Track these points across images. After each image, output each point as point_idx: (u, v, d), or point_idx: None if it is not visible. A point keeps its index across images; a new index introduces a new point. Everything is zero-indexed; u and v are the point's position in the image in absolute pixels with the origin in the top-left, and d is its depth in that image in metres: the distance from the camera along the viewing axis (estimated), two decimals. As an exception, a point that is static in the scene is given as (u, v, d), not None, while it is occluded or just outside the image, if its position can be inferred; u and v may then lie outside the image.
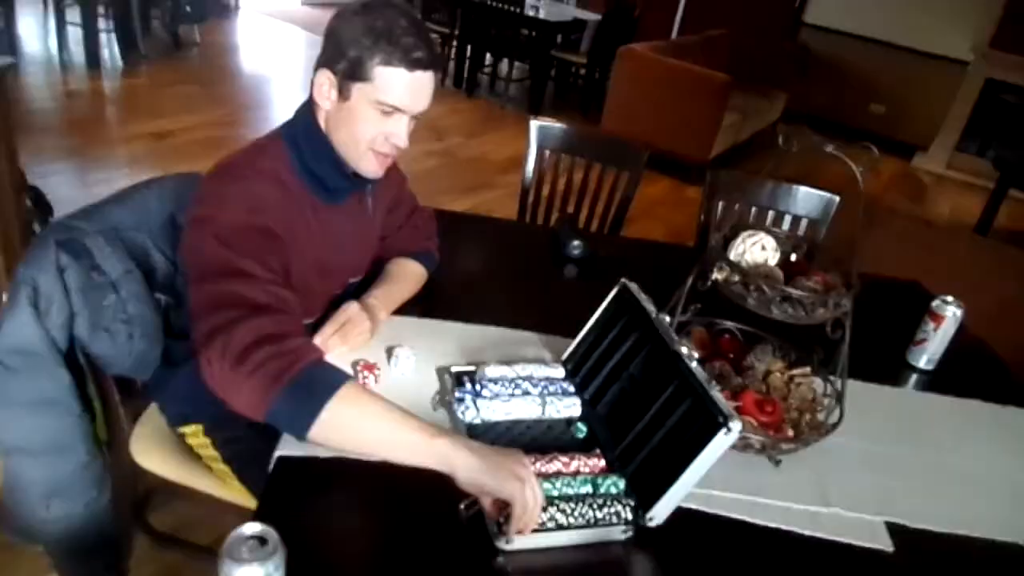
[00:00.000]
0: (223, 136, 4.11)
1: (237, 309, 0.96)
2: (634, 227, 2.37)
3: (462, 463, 0.92)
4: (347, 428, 0.94)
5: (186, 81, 4.98)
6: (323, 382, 0.93)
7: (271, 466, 1.03)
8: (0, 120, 1.79)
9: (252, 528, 0.73)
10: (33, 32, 5.45)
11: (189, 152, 3.81)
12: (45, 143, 3.71)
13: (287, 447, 1.05)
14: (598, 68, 5.92)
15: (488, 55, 6.12)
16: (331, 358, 1.19)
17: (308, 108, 1.18)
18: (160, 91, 4.75)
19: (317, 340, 1.16)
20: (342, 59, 1.10)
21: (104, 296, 1.24)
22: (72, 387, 1.25)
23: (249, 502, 1.29)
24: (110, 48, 5.17)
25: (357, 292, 1.33)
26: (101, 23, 4.97)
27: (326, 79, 1.12)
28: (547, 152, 2.23)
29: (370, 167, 1.18)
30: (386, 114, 1.12)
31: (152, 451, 1.39)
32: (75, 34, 4.95)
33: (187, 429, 1.34)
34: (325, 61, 1.12)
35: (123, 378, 1.36)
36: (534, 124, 2.22)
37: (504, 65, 6.37)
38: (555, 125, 2.24)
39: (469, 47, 5.92)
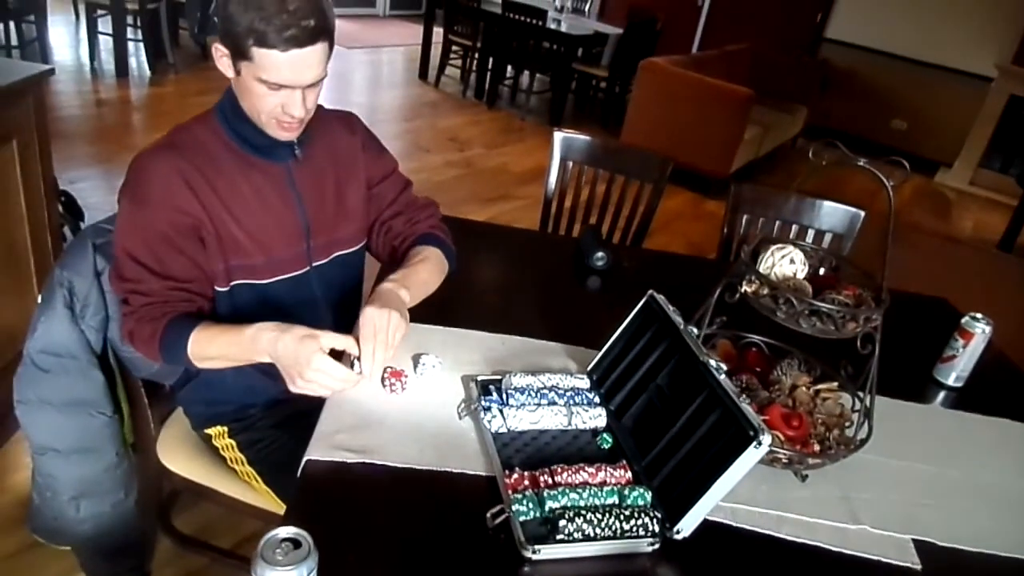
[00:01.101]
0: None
1: (140, 301, 1.15)
2: (654, 240, 2.37)
3: (269, 355, 1.09)
4: (202, 353, 1.14)
5: (212, 90, 5.04)
6: (179, 337, 1.13)
7: (299, 469, 1.04)
8: (36, 126, 1.83)
9: (287, 531, 0.74)
10: (65, 41, 5.56)
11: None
12: (75, 150, 3.78)
13: (316, 451, 1.06)
14: (619, 81, 5.94)
15: (509, 67, 6.16)
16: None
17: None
18: (187, 100, 4.82)
19: (366, 368, 1.12)
20: (228, 36, 1.08)
21: (137, 299, 1.25)
22: (104, 388, 1.27)
23: (273, 506, 1.29)
24: (138, 57, 5.27)
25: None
26: (131, 33, 5.06)
27: (221, 51, 1.11)
28: (570, 163, 2.24)
29: (276, 132, 1.18)
30: (275, 88, 1.11)
31: (178, 453, 1.40)
32: (106, 43, 5.05)
33: (212, 431, 1.36)
34: (219, 33, 1.11)
35: (151, 381, 1.38)
36: (558, 135, 2.23)
37: (525, 77, 6.41)
38: (579, 137, 2.25)
39: (491, 59, 5.96)
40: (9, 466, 1.90)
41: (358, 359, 1.12)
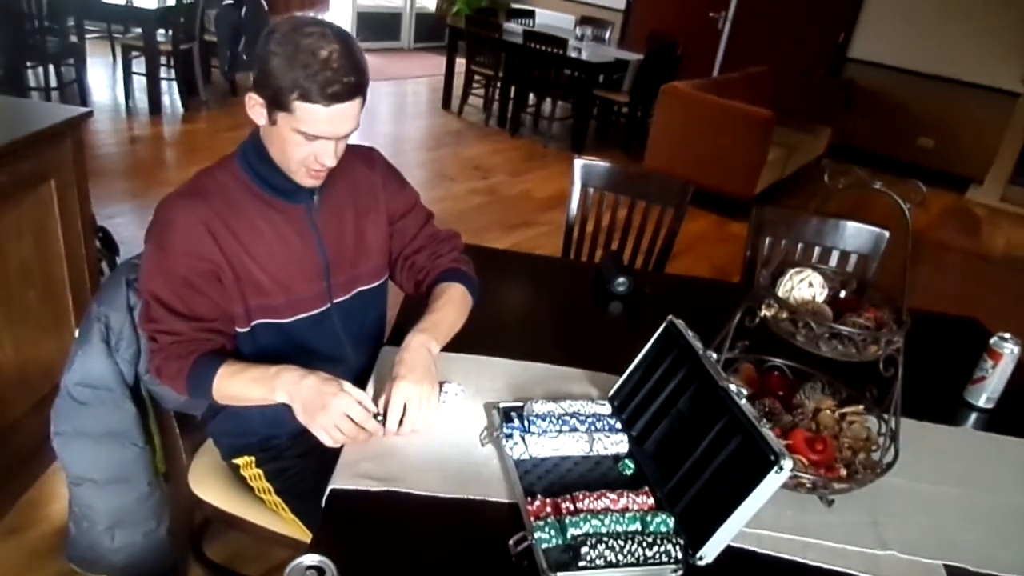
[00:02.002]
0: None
1: (167, 340, 1.19)
2: (677, 263, 2.38)
3: (290, 398, 1.14)
4: (226, 393, 1.20)
5: (242, 125, 5.16)
6: (206, 373, 1.18)
7: (324, 498, 1.06)
8: (76, 165, 1.90)
9: (310, 559, 0.76)
10: (102, 82, 5.76)
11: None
12: (111, 186, 3.90)
13: (340, 480, 1.08)
14: (640, 106, 5.97)
15: (531, 95, 6.24)
16: (381, 393, 1.22)
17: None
18: (218, 135, 4.96)
19: (391, 434, 1.16)
20: (267, 86, 1.11)
21: (168, 333, 1.29)
22: (137, 419, 1.31)
23: (300, 534, 1.31)
24: (171, 95, 5.44)
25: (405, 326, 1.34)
26: (164, 72, 5.23)
27: (256, 100, 1.15)
28: (591, 190, 2.26)
29: (304, 180, 1.22)
30: (309, 140, 1.14)
31: (208, 483, 1.43)
32: (140, 83, 5.22)
33: (240, 461, 1.38)
34: (254, 83, 1.14)
35: (182, 413, 1.41)
36: (578, 163, 2.26)
37: (547, 105, 6.48)
38: (599, 163, 2.27)
39: (513, 88, 6.04)
40: (46, 497, 1.95)
41: (378, 416, 1.16)
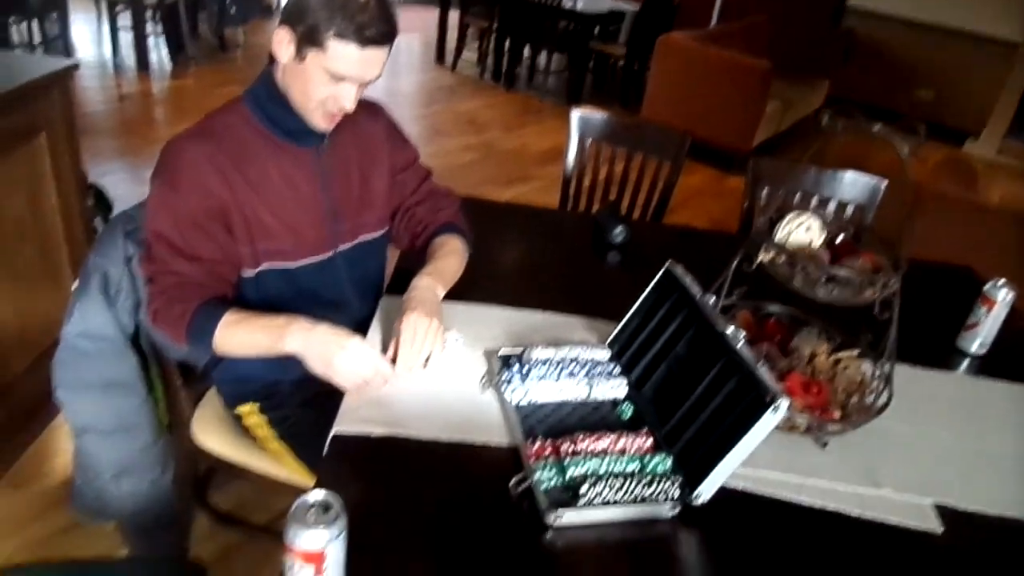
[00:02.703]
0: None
1: (169, 281, 1.18)
2: (674, 217, 2.38)
3: (300, 349, 1.13)
4: (229, 344, 1.17)
5: (231, 82, 5.09)
6: (207, 322, 1.16)
7: (327, 444, 1.07)
8: (65, 120, 1.88)
9: (316, 495, 0.77)
10: (87, 37, 5.64)
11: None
12: (101, 144, 3.85)
13: (343, 424, 1.09)
14: (637, 59, 5.88)
15: (526, 49, 6.13)
16: (386, 339, 1.24)
17: (269, 66, 1.23)
18: (207, 92, 4.88)
19: (402, 368, 1.18)
20: (301, 22, 1.13)
21: (166, 284, 1.29)
22: (138, 370, 1.32)
23: (304, 480, 1.33)
24: (159, 51, 5.33)
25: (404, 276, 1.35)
26: (150, 27, 5.12)
27: (285, 36, 1.16)
28: (588, 141, 2.24)
29: (318, 122, 1.22)
30: (335, 80, 1.16)
31: (211, 432, 1.45)
32: (127, 38, 5.12)
33: (243, 409, 1.40)
34: (286, 18, 1.15)
35: (184, 363, 1.42)
36: (575, 113, 2.23)
37: (542, 58, 6.38)
38: (596, 114, 2.25)
39: (508, 41, 5.94)
40: (49, 451, 1.98)
41: (392, 361, 1.17)
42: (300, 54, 1.15)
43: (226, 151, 1.19)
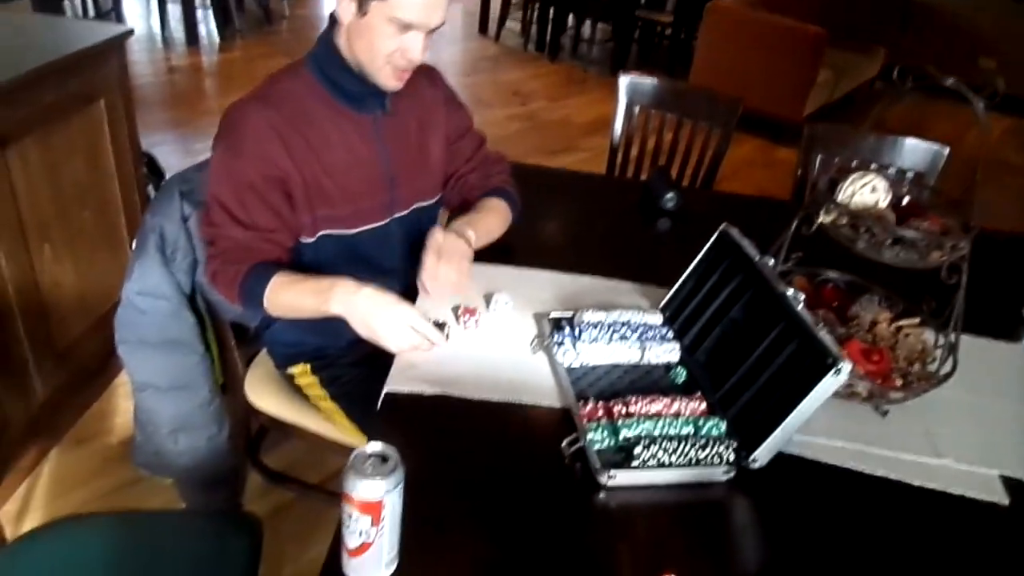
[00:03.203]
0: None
1: (226, 243, 1.20)
2: (722, 188, 2.32)
3: (344, 311, 1.14)
4: (279, 304, 1.19)
5: (278, 54, 5.13)
6: (257, 284, 1.18)
7: (379, 402, 1.08)
8: (120, 86, 1.91)
9: (374, 447, 0.78)
10: (136, 11, 5.73)
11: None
12: (153, 116, 3.92)
13: (395, 383, 1.10)
14: (684, 27, 5.74)
15: (571, 17, 6.03)
16: (437, 302, 1.24)
17: (330, 27, 1.22)
18: (253, 63, 4.92)
19: (426, 278, 1.20)
20: None
21: (221, 244, 1.31)
22: (196, 329, 1.35)
23: (356, 439, 1.35)
24: (207, 24, 5.39)
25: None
26: (198, 1, 5.18)
27: None
28: (636, 109, 2.20)
29: (388, 80, 1.21)
30: (401, 30, 1.14)
31: (264, 392, 1.47)
32: (175, 12, 5.19)
33: (295, 369, 1.42)
34: None
35: (237, 324, 1.45)
36: (624, 79, 2.19)
37: (587, 28, 6.26)
38: (645, 80, 2.20)
39: (552, 9, 5.85)
40: (111, 410, 2.04)
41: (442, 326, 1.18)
42: (362, 9, 1.14)
43: (287, 117, 1.19)
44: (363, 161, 1.27)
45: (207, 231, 1.22)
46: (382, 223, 1.33)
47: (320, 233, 1.27)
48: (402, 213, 1.36)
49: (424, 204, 1.40)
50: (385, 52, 1.16)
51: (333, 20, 1.21)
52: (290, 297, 1.18)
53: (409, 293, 1.32)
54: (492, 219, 1.40)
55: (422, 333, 1.12)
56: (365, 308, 1.12)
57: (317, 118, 1.22)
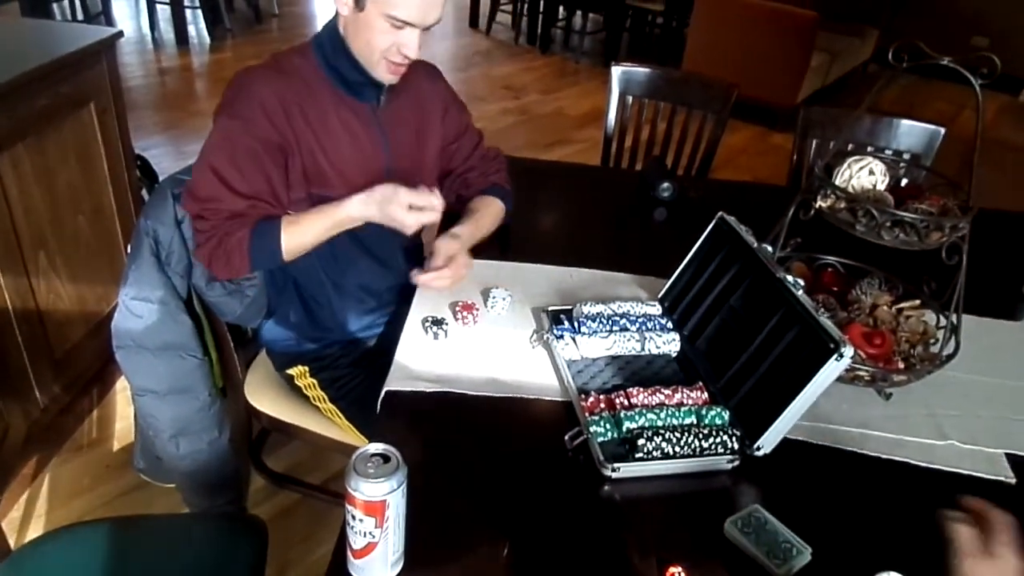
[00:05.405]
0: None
1: (219, 216, 1.18)
2: (718, 176, 2.31)
3: (360, 215, 1.19)
4: (295, 242, 1.21)
5: (268, 52, 5.05)
6: (268, 235, 1.19)
7: (380, 400, 1.08)
8: (111, 89, 1.90)
9: (376, 447, 0.77)
10: (126, 13, 5.70)
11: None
12: (144, 118, 3.90)
13: (394, 382, 1.09)
14: (675, 15, 5.71)
15: (561, 9, 6.01)
16: (432, 298, 1.24)
17: (335, 15, 1.22)
18: (244, 63, 4.81)
19: (428, 278, 1.22)
20: None
21: (216, 247, 1.30)
22: (193, 332, 1.34)
23: (358, 440, 1.35)
24: (196, 25, 5.36)
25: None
26: (187, 1, 5.14)
27: None
28: (629, 98, 2.18)
29: (383, 74, 1.21)
30: (397, 27, 1.14)
31: (264, 394, 1.47)
32: (164, 13, 5.15)
33: (294, 371, 1.41)
34: None
35: (235, 326, 1.44)
36: (616, 69, 2.18)
37: (578, 19, 6.24)
38: (637, 69, 2.19)
39: (542, 1, 5.82)
40: (112, 416, 2.04)
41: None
42: (359, 4, 1.14)
43: (294, 90, 1.19)
44: (362, 148, 1.27)
45: (193, 206, 1.19)
46: None
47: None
48: None
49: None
50: (381, 48, 1.16)
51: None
52: (304, 229, 1.20)
53: (404, 289, 1.33)
54: (487, 223, 1.41)
55: (417, 205, 1.16)
56: (378, 200, 1.17)
57: (320, 98, 1.22)
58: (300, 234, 1.20)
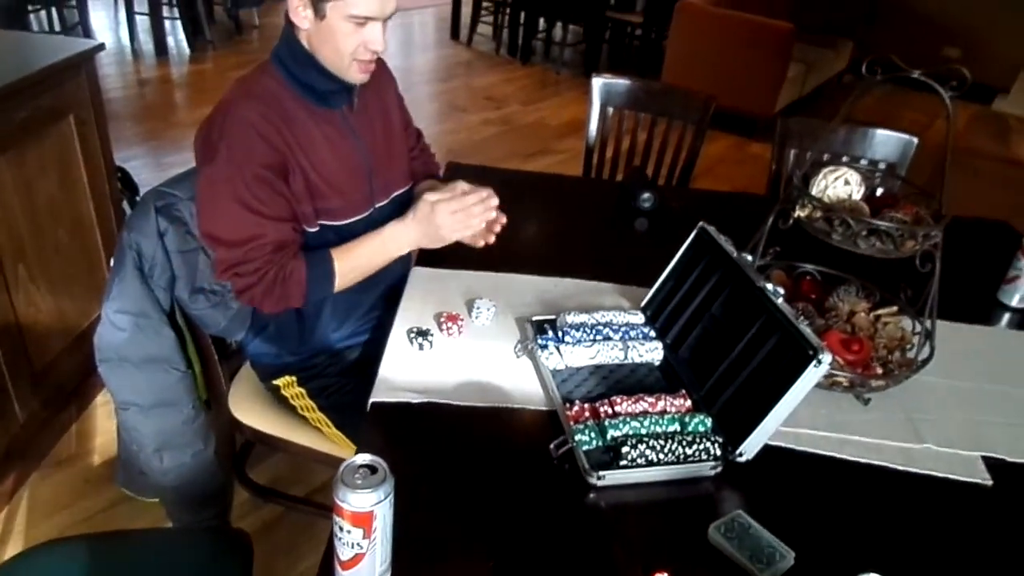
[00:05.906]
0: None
1: (265, 251, 1.19)
2: (698, 186, 2.34)
3: (409, 243, 1.26)
4: (348, 273, 1.26)
5: (249, 63, 5.03)
6: (322, 264, 1.24)
7: (367, 412, 1.08)
8: (92, 101, 1.89)
9: (363, 458, 0.77)
10: (105, 24, 5.66)
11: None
12: (124, 130, 3.87)
13: (380, 394, 1.10)
14: (655, 27, 5.78)
15: (542, 21, 6.06)
16: (417, 309, 1.24)
17: (289, 28, 1.23)
18: (225, 74, 4.88)
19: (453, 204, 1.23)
20: None
21: (198, 259, 1.30)
22: (177, 345, 1.33)
23: (344, 451, 1.35)
24: (176, 36, 5.34)
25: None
26: (167, 12, 5.13)
27: (299, 1, 1.16)
28: (610, 109, 2.21)
29: (356, 75, 1.24)
30: (360, 24, 1.16)
31: (249, 407, 1.46)
32: (143, 23, 5.13)
33: (280, 381, 1.41)
34: None
35: (218, 339, 1.43)
36: (597, 80, 2.20)
37: (558, 31, 6.29)
38: (618, 80, 2.21)
39: (523, 13, 5.86)
40: (93, 430, 2.01)
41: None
42: (319, 13, 1.15)
43: (273, 110, 1.20)
44: (343, 155, 1.29)
45: (233, 254, 1.18)
46: (367, 214, 1.34)
47: (320, 222, 1.29)
48: (382, 203, 1.38)
49: (400, 192, 1.43)
50: (349, 50, 1.19)
51: (289, 20, 1.21)
52: (352, 264, 1.26)
53: (392, 290, 1.37)
54: None
55: (471, 202, 1.21)
56: (421, 230, 1.23)
57: (296, 116, 1.23)
58: (351, 262, 1.25)
